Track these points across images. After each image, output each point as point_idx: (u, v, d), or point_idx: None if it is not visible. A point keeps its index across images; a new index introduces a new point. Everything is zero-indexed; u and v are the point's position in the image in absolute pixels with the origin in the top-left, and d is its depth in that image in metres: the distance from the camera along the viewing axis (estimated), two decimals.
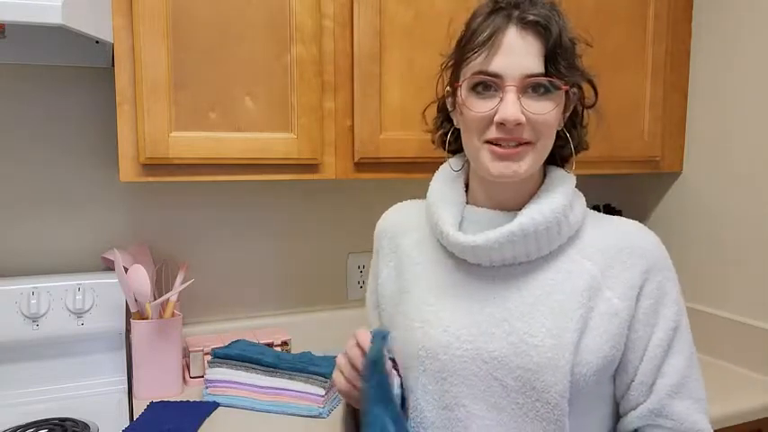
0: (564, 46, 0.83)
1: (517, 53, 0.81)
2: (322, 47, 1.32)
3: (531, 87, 0.82)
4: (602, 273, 0.86)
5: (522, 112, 0.81)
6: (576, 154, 0.92)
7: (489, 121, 0.83)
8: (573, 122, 0.91)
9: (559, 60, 0.82)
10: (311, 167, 1.35)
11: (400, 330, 0.92)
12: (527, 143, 0.83)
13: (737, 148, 1.60)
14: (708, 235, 1.67)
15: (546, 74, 0.82)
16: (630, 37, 1.60)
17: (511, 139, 0.82)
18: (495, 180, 0.86)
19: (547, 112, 0.82)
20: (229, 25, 1.24)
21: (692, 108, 1.72)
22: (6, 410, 1.29)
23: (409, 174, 1.42)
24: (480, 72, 0.83)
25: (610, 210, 1.89)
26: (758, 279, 1.55)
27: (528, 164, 0.84)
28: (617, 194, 1.94)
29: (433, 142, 1.00)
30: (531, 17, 0.81)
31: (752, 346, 1.55)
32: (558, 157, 0.93)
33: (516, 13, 0.82)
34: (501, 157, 0.83)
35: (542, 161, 0.88)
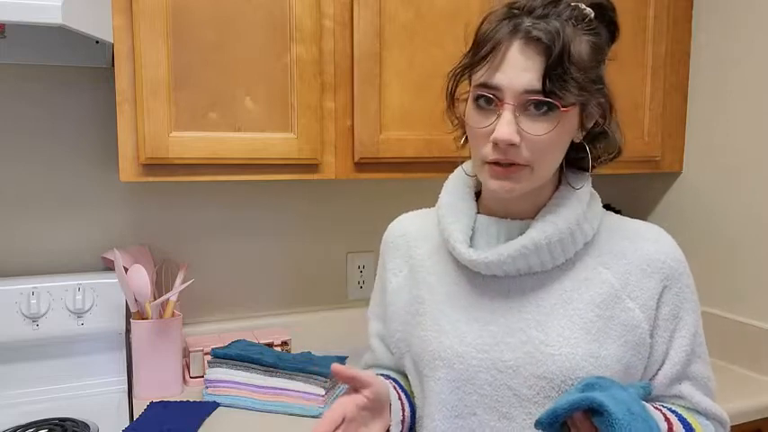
0: (575, 62, 0.77)
1: (517, 68, 0.78)
2: (322, 47, 1.32)
3: (534, 105, 0.78)
4: (620, 281, 0.85)
5: (519, 132, 0.78)
6: (604, 162, 0.90)
7: (487, 137, 0.81)
8: (596, 133, 0.87)
9: (565, 78, 0.77)
10: (311, 167, 1.35)
11: (416, 340, 0.92)
12: (523, 165, 0.80)
13: (737, 148, 1.60)
14: (707, 235, 1.67)
15: (544, 92, 0.77)
16: (630, 37, 1.60)
17: (505, 160, 0.80)
18: (495, 196, 0.85)
19: (544, 133, 0.78)
20: (229, 25, 1.24)
21: (692, 108, 1.72)
22: (6, 410, 1.29)
23: (409, 173, 1.41)
24: (482, 85, 0.81)
25: (609, 210, 1.88)
26: (758, 279, 1.55)
27: (524, 184, 0.82)
28: (617, 194, 1.94)
29: (456, 142, 0.96)
30: (535, 32, 0.77)
31: (751, 345, 1.55)
32: (576, 166, 0.90)
33: (526, 22, 0.78)
34: (497, 176, 0.81)
35: (544, 179, 0.85)
